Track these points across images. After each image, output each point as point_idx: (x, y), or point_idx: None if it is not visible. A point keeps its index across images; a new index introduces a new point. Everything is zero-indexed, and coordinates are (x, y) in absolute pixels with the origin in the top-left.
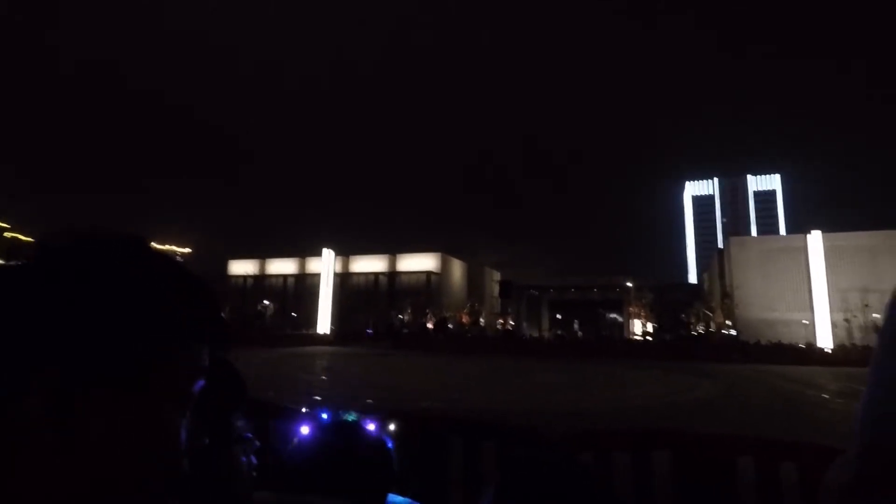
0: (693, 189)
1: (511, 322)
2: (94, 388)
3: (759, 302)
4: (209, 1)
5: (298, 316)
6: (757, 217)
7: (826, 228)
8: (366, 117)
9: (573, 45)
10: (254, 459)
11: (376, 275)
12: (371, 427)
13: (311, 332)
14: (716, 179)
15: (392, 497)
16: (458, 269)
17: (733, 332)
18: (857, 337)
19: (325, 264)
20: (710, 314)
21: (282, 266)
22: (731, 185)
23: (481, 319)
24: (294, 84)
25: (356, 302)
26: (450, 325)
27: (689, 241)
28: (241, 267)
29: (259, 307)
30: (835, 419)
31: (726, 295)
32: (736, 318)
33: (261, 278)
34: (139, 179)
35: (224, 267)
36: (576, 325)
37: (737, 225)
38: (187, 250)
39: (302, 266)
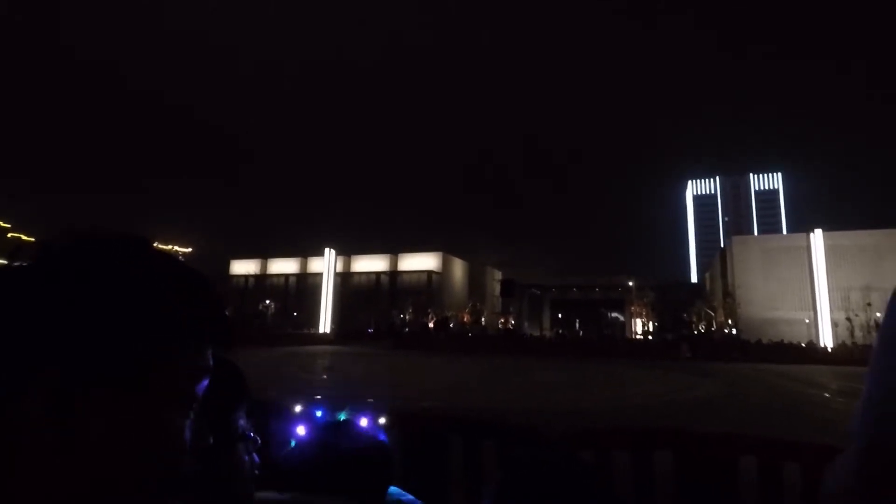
0: (695, 188)
1: (512, 321)
2: (94, 388)
3: (761, 301)
4: (209, 1)
5: (299, 315)
6: (759, 216)
7: (828, 227)
8: (366, 117)
9: (573, 46)
10: (256, 458)
11: (377, 274)
12: (364, 422)
13: (312, 331)
14: (718, 178)
15: (393, 490)
16: (459, 268)
17: (735, 332)
18: (859, 336)
19: (326, 264)
20: (712, 313)
21: (283, 266)
22: (733, 185)
23: (482, 318)
24: (294, 84)
25: (357, 301)
26: (451, 325)
27: (691, 240)
28: (243, 267)
29: (261, 307)
30: (836, 418)
31: (728, 294)
32: (738, 317)
33: (262, 278)
34: (140, 179)
35: (226, 267)
36: (577, 325)
37: (739, 224)
38: (189, 250)
39: (303, 266)
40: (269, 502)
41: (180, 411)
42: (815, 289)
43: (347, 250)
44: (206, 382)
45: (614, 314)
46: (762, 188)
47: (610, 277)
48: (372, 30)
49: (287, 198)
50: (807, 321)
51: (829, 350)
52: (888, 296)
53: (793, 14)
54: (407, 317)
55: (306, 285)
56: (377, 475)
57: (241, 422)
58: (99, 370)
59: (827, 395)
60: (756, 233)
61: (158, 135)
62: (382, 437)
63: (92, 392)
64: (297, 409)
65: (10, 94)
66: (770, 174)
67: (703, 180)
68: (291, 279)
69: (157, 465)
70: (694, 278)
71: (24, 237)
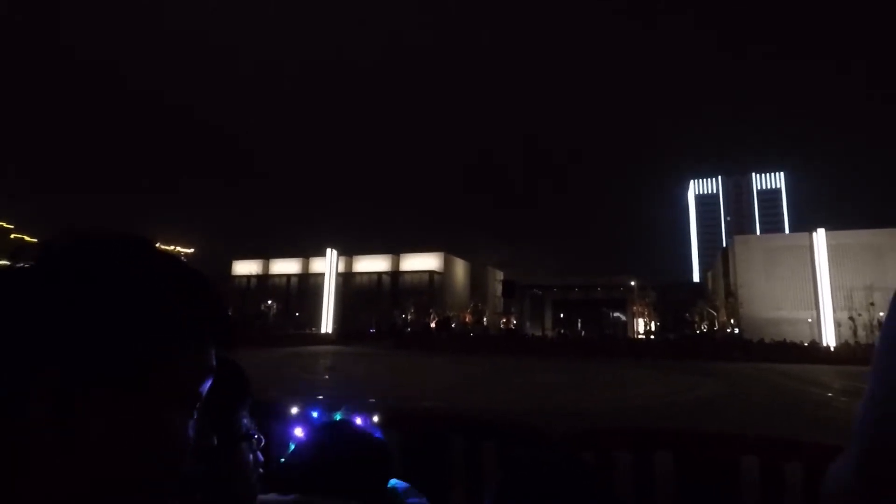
0: (697, 188)
1: (514, 321)
2: (95, 388)
3: (764, 300)
4: (209, 1)
5: (301, 315)
6: (761, 215)
7: (831, 227)
8: (366, 117)
9: (573, 45)
10: (260, 456)
11: (379, 274)
12: (358, 421)
13: (313, 331)
14: (720, 178)
15: (398, 484)
16: (460, 268)
17: (737, 331)
18: (862, 335)
19: (328, 264)
20: (714, 313)
21: (285, 266)
22: (735, 184)
23: (484, 319)
24: (294, 84)
25: (359, 301)
26: (452, 325)
27: (693, 240)
28: (245, 267)
29: (262, 307)
30: (838, 417)
31: (730, 293)
32: (740, 316)
33: (264, 278)
34: (140, 179)
35: (227, 267)
36: (579, 325)
37: (741, 223)
38: (191, 250)
39: (305, 266)
40: (271, 503)
41: (182, 411)
42: (817, 288)
43: (349, 250)
44: (209, 382)
45: (616, 314)
46: (764, 188)
47: (611, 277)
48: (372, 30)
49: (288, 198)
50: (809, 321)
51: (832, 350)
52: (891, 295)
53: (793, 14)
54: (409, 317)
55: (308, 285)
56: (375, 473)
57: (245, 421)
58: (99, 370)
59: (829, 394)
60: (758, 232)
61: (159, 135)
62: (379, 435)
63: (92, 392)
64: (294, 410)
65: (11, 94)
66: (772, 174)
67: (705, 180)
68: (293, 279)
69: (157, 465)
70: (696, 278)
71: (26, 238)
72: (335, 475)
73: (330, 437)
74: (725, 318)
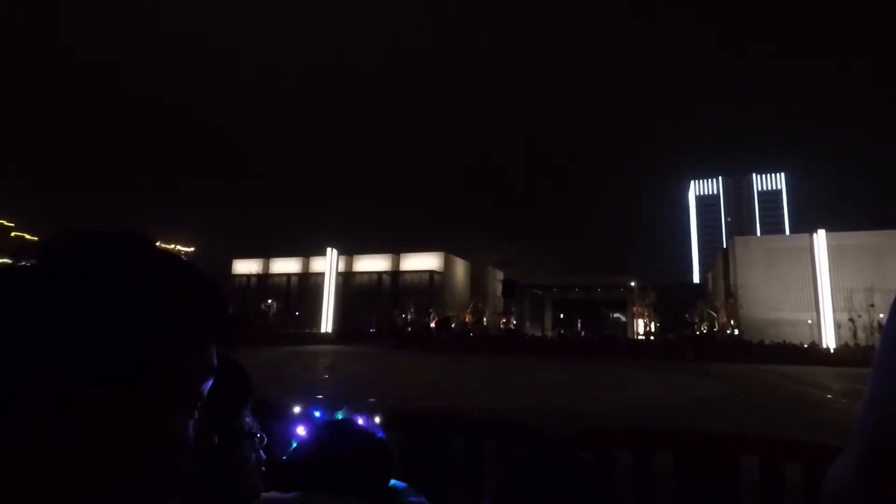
0: (697, 188)
1: (514, 321)
2: (95, 388)
3: (764, 301)
4: (209, 1)
5: (301, 315)
6: (761, 216)
7: (831, 228)
8: (366, 117)
9: (573, 45)
10: (262, 454)
11: (379, 274)
12: (360, 421)
13: (313, 331)
14: (720, 179)
15: (398, 485)
16: (460, 268)
17: (737, 332)
18: (862, 337)
19: (328, 263)
20: (714, 314)
21: (285, 265)
22: (736, 185)
23: (484, 318)
24: (294, 84)
25: (359, 301)
26: (452, 325)
27: (693, 240)
28: (245, 266)
29: (262, 307)
30: (838, 418)
31: (730, 294)
32: (740, 317)
33: (264, 277)
34: (140, 179)
35: (228, 267)
36: (579, 325)
37: (741, 224)
38: (191, 249)
39: (305, 265)
40: (272, 502)
41: (183, 411)
42: (817, 289)
43: (349, 250)
44: (210, 382)
45: (616, 314)
46: (765, 188)
47: (611, 278)
48: (372, 30)
49: (288, 198)
50: (809, 322)
51: (832, 351)
52: (892, 297)
53: (793, 14)
54: (409, 316)
55: (308, 285)
56: (376, 472)
57: (247, 419)
58: (99, 370)
59: (829, 395)
60: (759, 233)
61: (159, 135)
62: (380, 434)
63: (92, 392)
64: (296, 409)
65: (11, 94)
66: (773, 174)
67: (705, 181)
68: (293, 279)
69: (157, 465)
70: (696, 279)
71: (27, 237)
72: (336, 473)
73: (331, 435)
74: (725, 319)
